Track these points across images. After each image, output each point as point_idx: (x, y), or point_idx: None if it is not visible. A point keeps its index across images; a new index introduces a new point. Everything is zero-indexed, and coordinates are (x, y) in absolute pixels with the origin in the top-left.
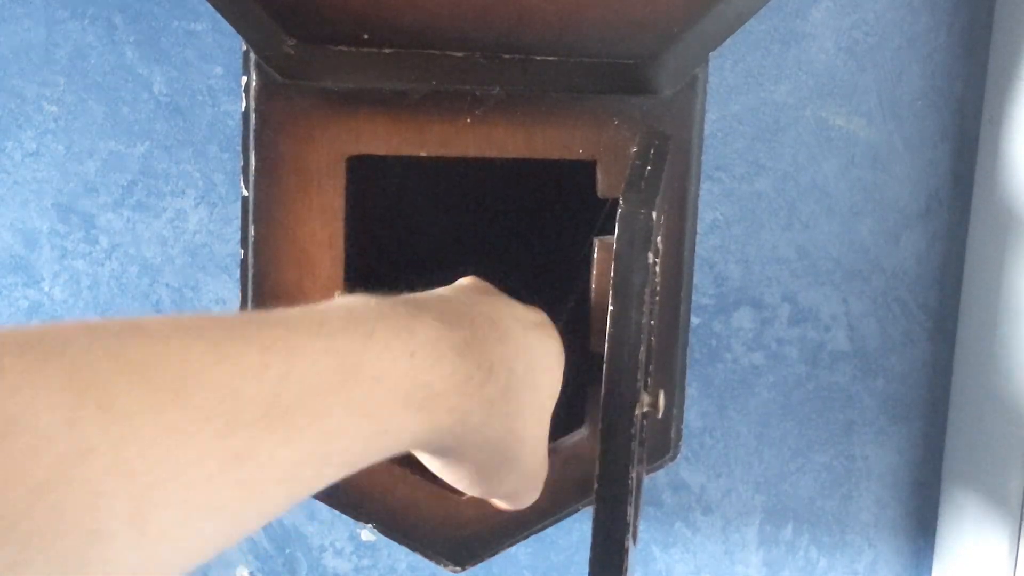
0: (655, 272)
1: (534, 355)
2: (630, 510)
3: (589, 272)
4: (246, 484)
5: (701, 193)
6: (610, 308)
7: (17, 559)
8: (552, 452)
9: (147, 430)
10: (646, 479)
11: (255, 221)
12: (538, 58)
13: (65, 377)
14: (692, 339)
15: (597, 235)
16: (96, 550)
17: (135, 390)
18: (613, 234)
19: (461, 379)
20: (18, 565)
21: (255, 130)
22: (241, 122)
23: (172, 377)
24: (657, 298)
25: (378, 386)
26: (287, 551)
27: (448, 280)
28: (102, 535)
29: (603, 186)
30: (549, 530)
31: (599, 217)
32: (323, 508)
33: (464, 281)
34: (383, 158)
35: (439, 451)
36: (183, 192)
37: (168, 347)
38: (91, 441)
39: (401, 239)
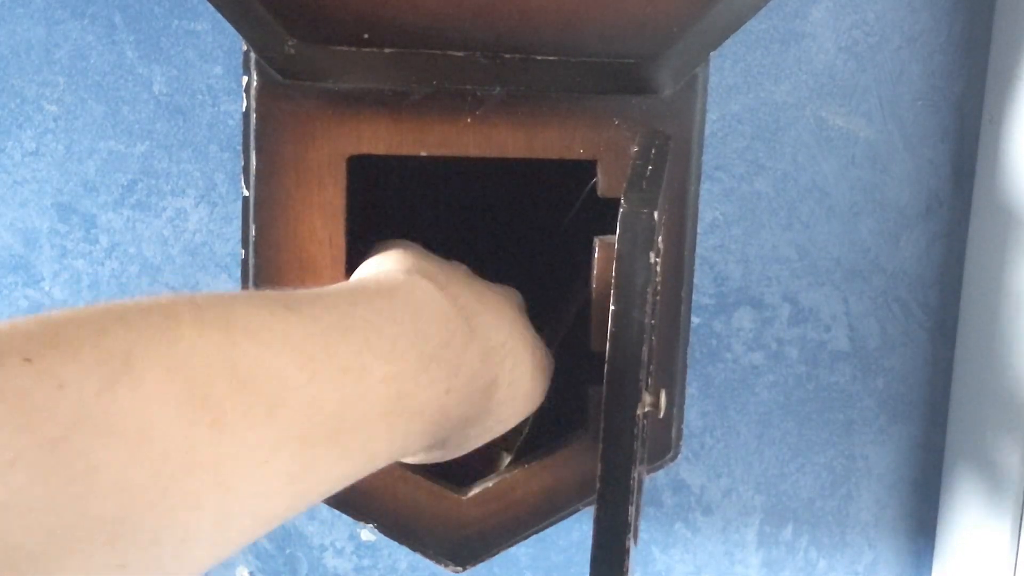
0: (656, 272)
1: (527, 386)
2: (631, 510)
3: (590, 272)
4: (299, 496)
5: (701, 193)
6: (612, 308)
7: (126, 559)
8: (552, 452)
9: (244, 449)
10: (646, 479)
11: (255, 221)
12: (538, 58)
13: (187, 392)
14: (692, 339)
15: (591, 232)
16: (184, 551)
17: (240, 407)
18: (606, 231)
19: (471, 415)
20: (127, 565)
21: (256, 130)
22: (241, 122)
23: (270, 394)
24: (658, 298)
25: (418, 419)
26: (287, 551)
27: None
28: (190, 541)
29: (603, 186)
30: (549, 530)
31: (599, 217)
32: (323, 508)
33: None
34: (383, 158)
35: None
36: (183, 192)
37: (270, 360)
38: (201, 457)
39: (401, 239)
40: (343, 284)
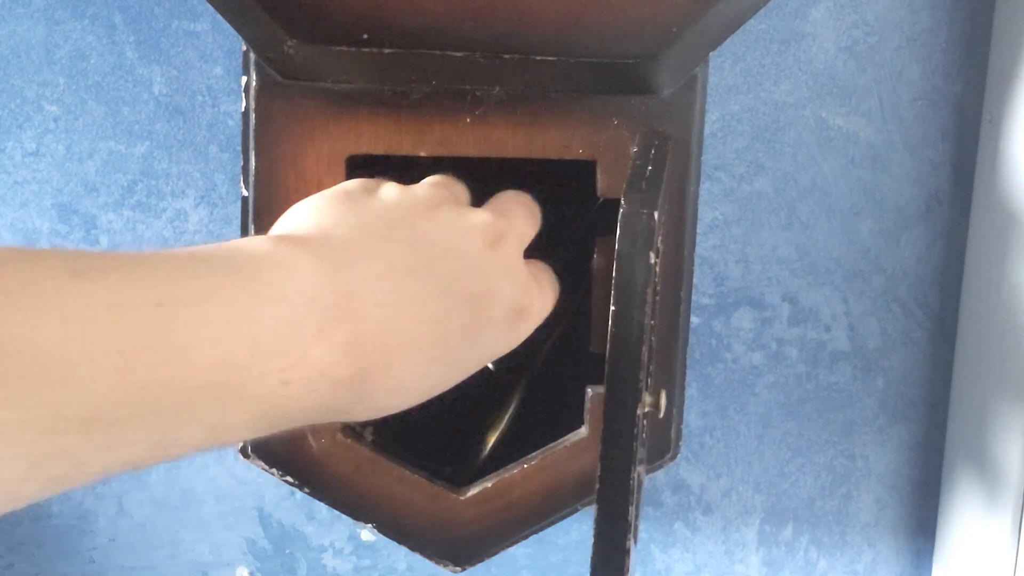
0: (656, 272)
1: (422, 369)
2: (631, 511)
3: (589, 272)
4: (52, 481)
5: (701, 193)
6: (612, 308)
7: None
8: (552, 452)
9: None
10: (646, 479)
11: (255, 221)
12: (538, 58)
13: None
14: (692, 339)
15: (591, 234)
16: None
17: None
18: (605, 232)
19: (326, 408)
20: None
21: (255, 130)
22: (241, 122)
23: (20, 372)
24: (658, 298)
25: (238, 410)
26: (287, 551)
27: None
28: None
29: (603, 186)
30: (549, 530)
31: (597, 216)
32: (323, 508)
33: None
34: (383, 158)
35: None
36: (183, 192)
37: (30, 333)
38: None
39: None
40: (181, 250)
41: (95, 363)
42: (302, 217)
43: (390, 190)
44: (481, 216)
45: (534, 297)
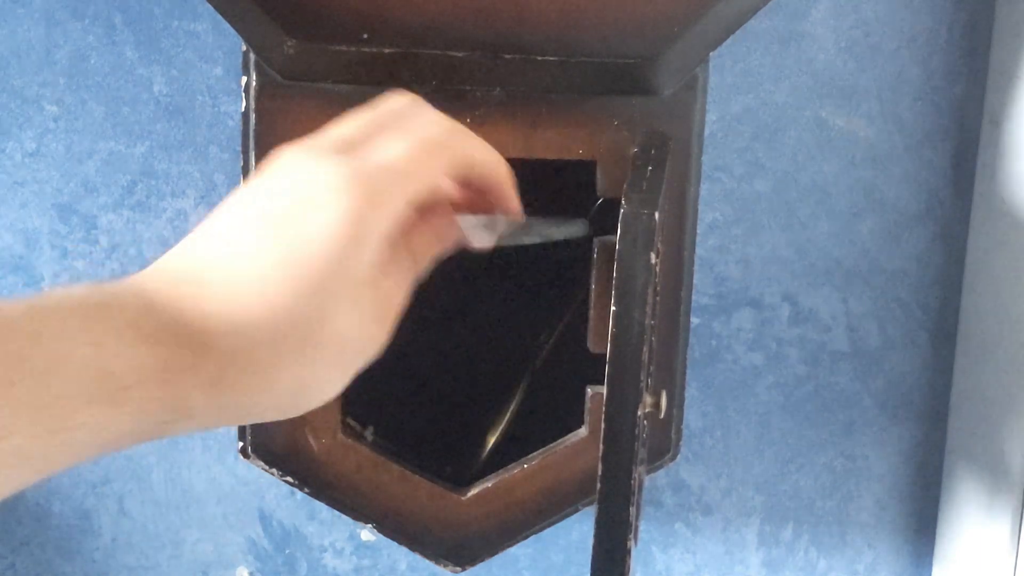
0: (656, 272)
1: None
2: (632, 511)
3: (589, 273)
4: None
5: (701, 193)
6: (613, 308)
7: None
8: (552, 452)
9: None
10: (646, 479)
11: None
12: (538, 58)
13: None
14: (692, 339)
15: (590, 234)
16: None
17: None
18: (605, 233)
19: (159, 366)
20: None
21: (255, 130)
22: (241, 122)
23: None
24: (658, 298)
25: (49, 379)
26: (287, 551)
27: (445, 281)
28: None
29: (603, 186)
30: (549, 530)
31: (597, 216)
32: (323, 508)
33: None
34: None
35: (178, 430)
36: (183, 192)
37: None
38: None
39: None
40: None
41: None
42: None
43: (274, 163)
44: (324, 163)
45: (352, 165)
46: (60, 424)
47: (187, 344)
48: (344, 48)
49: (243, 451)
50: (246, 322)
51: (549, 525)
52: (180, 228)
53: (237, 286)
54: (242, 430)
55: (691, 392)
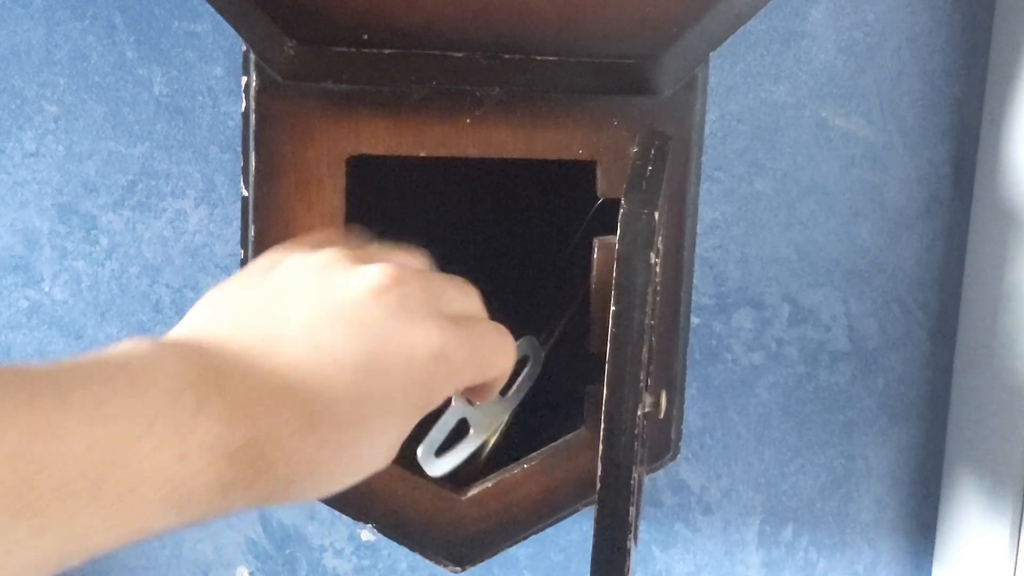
0: (656, 272)
1: (352, 442)
2: (632, 511)
3: (589, 272)
4: None
5: (701, 193)
6: (613, 308)
7: None
8: (552, 452)
9: None
10: (646, 479)
11: (255, 221)
12: (538, 58)
13: None
14: (692, 339)
15: (590, 234)
16: None
17: None
18: (604, 232)
19: (228, 483)
20: None
21: (255, 130)
22: (241, 122)
23: None
24: (658, 298)
25: (139, 490)
26: (287, 551)
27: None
28: None
29: (603, 186)
30: (549, 530)
31: (597, 217)
32: (323, 508)
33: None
34: (383, 158)
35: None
36: (183, 192)
37: None
38: None
39: (401, 239)
40: (58, 361)
41: None
42: (186, 321)
43: (289, 261)
44: (366, 270)
45: (451, 338)
46: (133, 527)
47: (254, 464)
48: (344, 49)
49: None
50: (311, 456)
51: (549, 525)
52: (180, 228)
53: (313, 405)
54: None
55: (691, 392)
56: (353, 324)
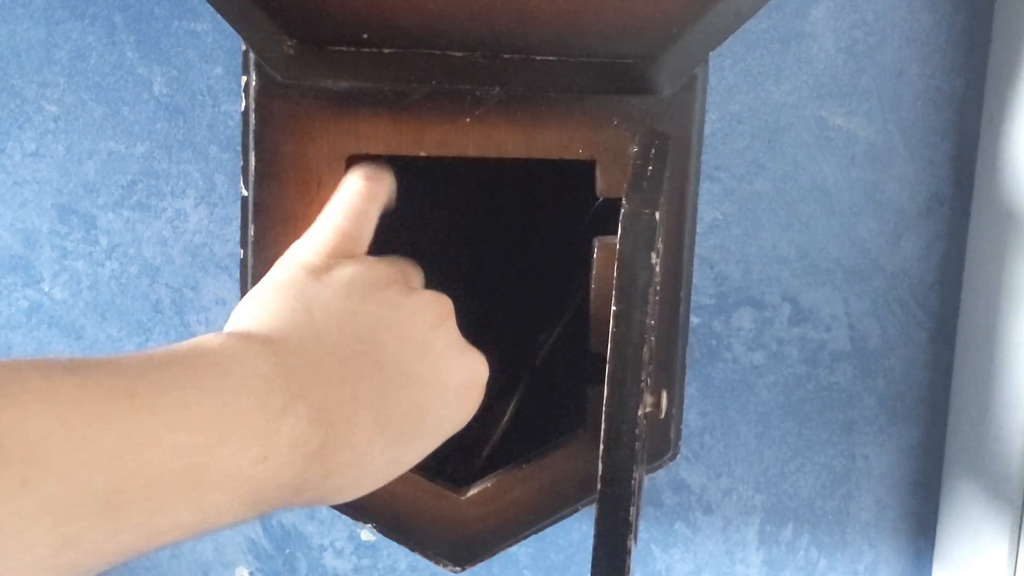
0: (656, 272)
1: (408, 445)
2: (632, 511)
3: (589, 272)
4: (68, 568)
5: (701, 193)
6: (613, 308)
7: None
8: (552, 452)
9: None
10: (646, 479)
11: (255, 221)
12: (538, 58)
13: None
14: (692, 339)
15: (590, 234)
16: None
17: None
18: (604, 232)
19: (300, 483)
20: None
21: (255, 130)
22: (241, 122)
23: (27, 461)
24: (658, 298)
25: (219, 489)
26: (287, 551)
27: (446, 280)
28: None
29: (603, 186)
30: (549, 530)
31: (597, 217)
32: (323, 508)
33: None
34: (383, 158)
35: None
36: (183, 192)
37: (31, 424)
38: None
39: (401, 239)
40: (144, 351)
41: (89, 450)
42: (250, 310)
43: (342, 272)
44: (426, 297)
45: (477, 367)
46: (210, 524)
47: (326, 466)
48: (344, 48)
49: None
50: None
51: (549, 525)
52: (180, 228)
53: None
54: None
55: (691, 392)
56: (418, 347)
